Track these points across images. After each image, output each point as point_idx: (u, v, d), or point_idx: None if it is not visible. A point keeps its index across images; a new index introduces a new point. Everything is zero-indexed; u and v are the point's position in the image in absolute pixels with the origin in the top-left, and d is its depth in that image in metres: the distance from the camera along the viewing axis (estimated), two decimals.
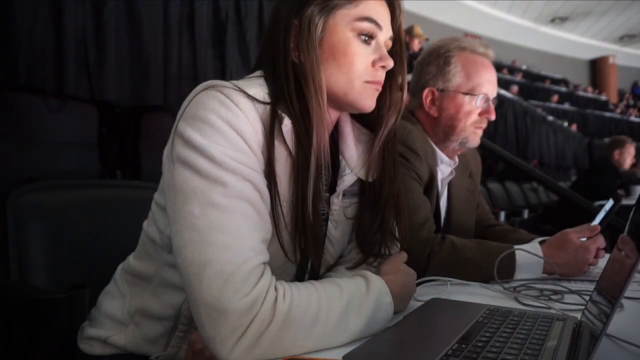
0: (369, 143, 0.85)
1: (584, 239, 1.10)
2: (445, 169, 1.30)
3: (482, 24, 13.72)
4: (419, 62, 1.32)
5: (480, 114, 1.24)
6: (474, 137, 1.26)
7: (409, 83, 1.08)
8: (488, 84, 1.24)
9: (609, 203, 1.21)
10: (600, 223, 1.15)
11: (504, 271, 1.06)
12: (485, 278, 1.05)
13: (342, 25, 0.75)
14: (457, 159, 1.32)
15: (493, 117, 1.25)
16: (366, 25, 0.76)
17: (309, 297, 0.65)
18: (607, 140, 6.44)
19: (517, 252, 1.08)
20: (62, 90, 1.82)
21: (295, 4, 0.75)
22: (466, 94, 1.22)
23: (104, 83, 1.93)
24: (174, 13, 2.19)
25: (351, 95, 0.77)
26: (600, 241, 1.10)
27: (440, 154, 1.27)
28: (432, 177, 1.23)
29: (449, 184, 1.34)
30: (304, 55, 0.73)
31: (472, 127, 1.24)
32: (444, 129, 1.25)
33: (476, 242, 1.13)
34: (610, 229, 1.23)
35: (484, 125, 1.26)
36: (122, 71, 2.02)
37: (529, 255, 1.08)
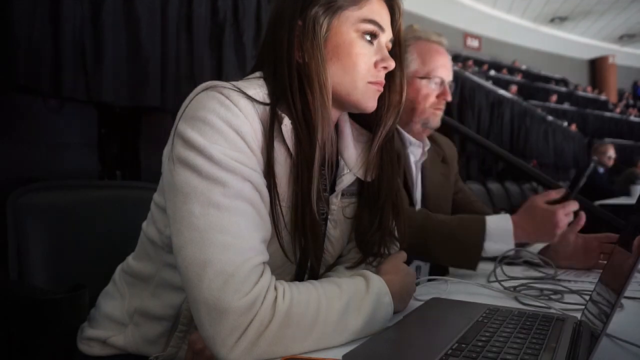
0: (367, 143, 0.85)
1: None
2: (415, 150, 1.35)
3: (481, 24, 13.73)
4: None
5: (437, 97, 1.33)
6: (434, 118, 1.35)
7: None
8: (442, 68, 1.33)
9: (584, 172, 1.22)
10: (571, 188, 1.17)
11: (476, 240, 1.11)
12: (459, 248, 1.10)
13: (347, 27, 0.76)
14: (427, 141, 1.38)
15: (449, 98, 1.34)
16: (370, 27, 0.77)
17: (308, 296, 0.65)
18: (607, 140, 6.49)
19: (487, 219, 1.13)
20: (59, 91, 1.82)
21: (299, 5, 0.75)
22: (422, 78, 1.31)
23: (101, 84, 1.93)
24: (172, 14, 2.19)
25: (354, 95, 0.77)
26: (571, 206, 1.12)
27: (407, 136, 1.34)
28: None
29: (423, 168, 1.39)
30: (308, 55, 0.74)
31: (431, 109, 1.33)
32: (405, 112, 1.31)
33: (449, 216, 1.21)
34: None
35: (442, 106, 1.35)
36: (120, 72, 2.01)
37: (500, 223, 1.12)
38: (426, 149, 1.36)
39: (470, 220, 1.16)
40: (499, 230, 1.12)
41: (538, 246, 1.28)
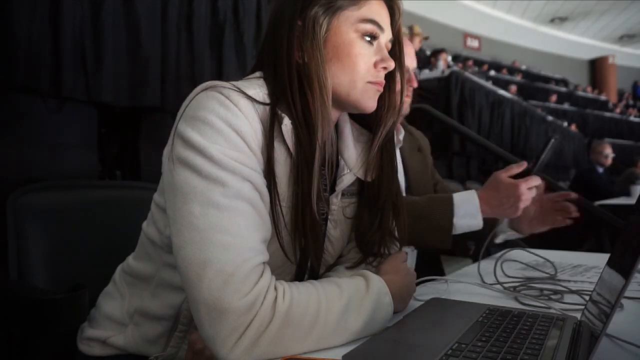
0: (367, 143, 0.85)
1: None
2: None
3: (481, 24, 13.72)
4: None
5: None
6: (404, 105, 1.40)
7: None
8: (407, 57, 1.36)
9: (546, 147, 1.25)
10: (533, 162, 1.20)
11: (445, 217, 1.14)
12: (430, 227, 1.13)
13: (346, 27, 0.76)
14: (401, 128, 1.42)
15: (415, 84, 1.37)
16: (369, 27, 0.76)
17: (308, 296, 0.65)
18: (606, 140, 6.51)
19: (454, 195, 1.17)
20: (59, 91, 1.82)
21: (299, 5, 0.75)
22: None
23: (101, 84, 1.93)
24: (172, 14, 2.19)
25: (354, 95, 0.77)
26: (533, 180, 1.14)
27: None
28: None
29: (403, 158, 1.42)
30: (308, 55, 0.74)
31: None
32: None
33: (418, 197, 1.24)
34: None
35: (410, 93, 1.38)
36: (120, 72, 2.01)
37: (466, 198, 1.15)
38: (400, 136, 1.39)
39: (439, 198, 1.19)
40: (466, 204, 1.15)
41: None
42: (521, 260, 1.23)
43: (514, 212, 1.14)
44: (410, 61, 1.33)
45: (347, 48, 0.76)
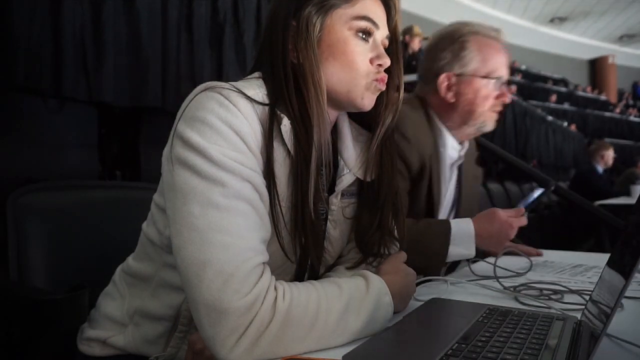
0: (367, 143, 0.85)
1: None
2: (453, 153, 1.31)
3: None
4: (431, 49, 1.32)
5: (496, 97, 1.26)
6: (491, 122, 1.29)
7: (408, 83, 1.10)
8: (503, 67, 1.26)
9: (538, 191, 1.28)
10: (526, 207, 1.23)
11: (441, 245, 1.13)
12: (425, 254, 1.12)
13: (340, 25, 0.76)
14: (467, 144, 1.34)
15: (508, 99, 1.27)
16: (363, 24, 0.76)
17: (308, 296, 0.65)
18: (606, 140, 6.50)
19: (452, 222, 1.15)
20: (59, 91, 1.82)
21: (292, 5, 0.75)
22: (483, 77, 1.23)
23: (101, 84, 1.93)
24: (172, 14, 2.19)
25: (353, 93, 0.77)
26: (523, 220, 1.18)
27: (449, 139, 1.28)
28: (424, 165, 1.25)
29: (460, 171, 1.35)
30: (302, 55, 0.74)
31: (489, 112, 1.26)
32: (461, 114, 1.27)
33: (416, 220, 1.20)
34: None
35: (500, 108, 1.28)
36: (120, 72, 2.01)
37: (462, 227, 1.15)
38: (463, 151, 1.33)
39: (438, 225, 1.17)
40: (462, 233, 1.14)
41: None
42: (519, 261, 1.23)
43: (498, 248, 1.16)
44: (506, 72, 1.26)
45: (342, 46, 0.76)
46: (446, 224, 1.16)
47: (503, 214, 1.17)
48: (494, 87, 1.25)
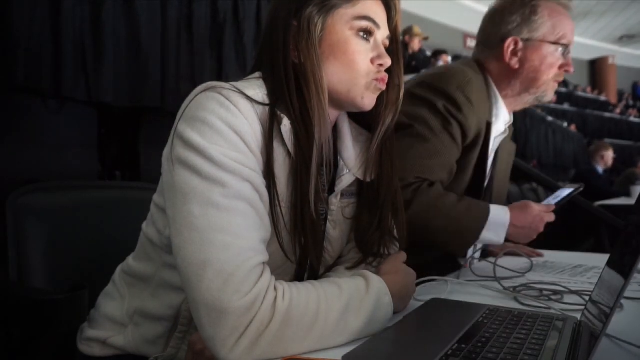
0: (366, 143, 0.85)
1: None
2: (500, 127, 1.28)
3: None
4: (496, 12, 1.28)
5: (559, 67, 1.23)
6: (552, 92, 1.26)
7: (407, 82, 1.09)
8: (571, 35, 1.23)
9: (569, 190, 1.26)
10: (557, 203, 1.22)
11: (476, 227, 1.13)
12: (458, 232, 1.12)
13: (341, 25, 0.76)
14: (512, 117, 1.31)
15: (572, 69, 1.25)
16: (364, 24, 0.77)
17: (308, 296, 0.65)
18: (606, 140, 6.50)
19: (491, 208, 1.15)
20: (59, 91, 1.82)
21: (293, 5, 0.75)
22: (553, 43, 1.20)
23: (101, 84, 1.93)
24: (172, 14, 2.19)
25: (354, 92, 0.77)
26: (552, 216, 1.19)
27: (502, 110, 1.25)
28: (479, 134, 1.22)
29: (499, 149, 1.33)
30: (304, 55, 0.74)
31: (551, 81, 1.24)
32: (523, 82, 1.24)
33: (459, 196, 1.18)
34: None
35: (561, 78, 1.26)
36: (120, 72, 2.01)
37: (499, 213, 1.14)
38: (507, 125, 1.29)
39: (477, 208, 1.15)
40: (497, 219, 1.14)
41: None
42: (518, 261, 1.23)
43: (528, 239, 1.17)
44: (573, 41, 1.21)
45: (343, 46, 0.76)
46: (486, 210, 1.14)
47: (537, 207, 1.17)
48: (560, 55, 1.22)
